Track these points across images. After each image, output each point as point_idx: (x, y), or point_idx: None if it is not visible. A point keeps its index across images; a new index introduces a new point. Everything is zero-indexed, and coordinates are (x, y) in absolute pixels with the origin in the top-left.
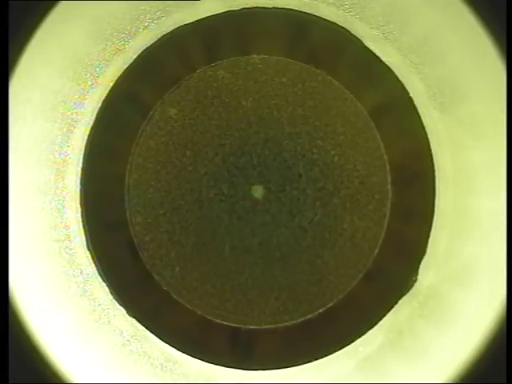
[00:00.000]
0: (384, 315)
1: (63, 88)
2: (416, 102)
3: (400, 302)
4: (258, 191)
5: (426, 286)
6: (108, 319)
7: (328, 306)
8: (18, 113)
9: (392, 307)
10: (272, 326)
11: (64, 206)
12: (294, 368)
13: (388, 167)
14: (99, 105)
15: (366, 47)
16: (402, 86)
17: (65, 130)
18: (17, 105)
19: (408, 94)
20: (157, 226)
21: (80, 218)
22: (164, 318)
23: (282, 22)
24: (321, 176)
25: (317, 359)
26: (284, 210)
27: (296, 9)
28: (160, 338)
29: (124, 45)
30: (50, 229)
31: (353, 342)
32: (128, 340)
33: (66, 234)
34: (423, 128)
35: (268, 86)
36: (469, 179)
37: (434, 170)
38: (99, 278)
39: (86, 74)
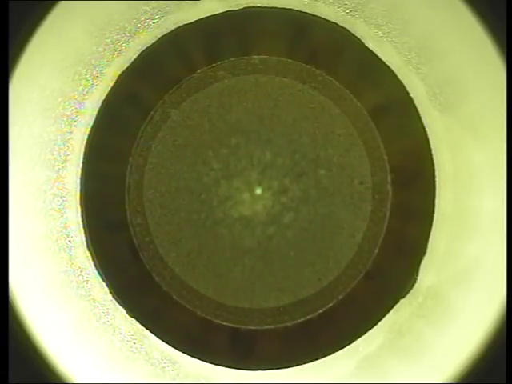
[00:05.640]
0: (384, 315)
1: (63, 88)
2: (416, 102)
3: (400, 302)
4: (258, 191)
5: (426, 286)
6: (108, 319)
7: (328, 306)
8: (18, 113)
9: (392, 307)
10: (272, 327)
11: (64, 206)
12: (293, 368)
13: (388, 167)
14: (99, 105)
15: (366, 47)
16: (402, 86)
17: (65, 130)
18: (17, 105)
19: (408, 94)
20: (157, 226)
21: (80, 218)
22: (164, 318)
23: (282, 22)
24: (321, 176)
25: (317, 359)
26: (284, 210)
27: (296, 9)
28: (160, 338)
29: (124, 45)
30: (50, 229)
31: (353, 342)
32: (128, 340)
33: (66, 234)
34: (423, 128)
35: (268, 86)
36: (469, 179)
37: (434, 170)
38: (99, 277)
39: (86, 74)
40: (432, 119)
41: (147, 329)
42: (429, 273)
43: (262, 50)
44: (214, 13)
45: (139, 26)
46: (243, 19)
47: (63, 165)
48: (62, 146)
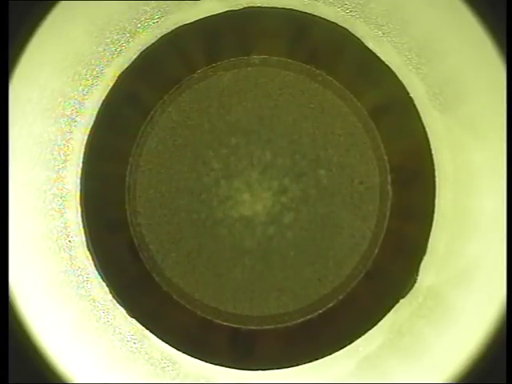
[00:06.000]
0: (384, 315)
1: (63, 88)
2: (416, 102)
3: (400, 302)
4: (258, 192)
5: (426, 286)
6: (108, 319)
7: (328, 306)
8: (18, 113)
9: (392, 307)
10: (272, 327)
11: (64, 206)
12: (293, 368)
13: (388, 167)
14: (99, 105)
15: (366, 47)
16: (402, 86)
17: (65, 130)
18: (17, 105)
19: (408, 93)
20: (157, 226)
21: (80, 218)
22: (164, 318)
23: (282, 22)
24: (321, 176)
25: (317, 359)
26: (284, 211)
27: (296, 9)
28: (160, 338)
29: (124, 45)
30: (50, 229)
31: (353, 342)
32: (128, 340)
33: (66, 234)
34: (423, 128)
35: (268, 86)
36: (469, 179)
37: (434, 170)
38: (99, 277)
39: (86, 74)
40: (432, 119)
41: (147, 329)
42: (429, 273)
43: (262, 49)
44: (214, 13)
45: (139, 25)
46: (243, 19)
47: (63, 165)
48: (61, 146)
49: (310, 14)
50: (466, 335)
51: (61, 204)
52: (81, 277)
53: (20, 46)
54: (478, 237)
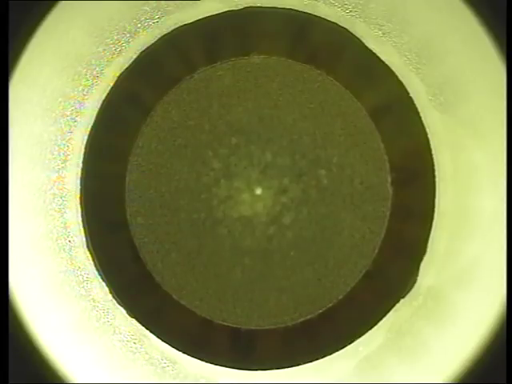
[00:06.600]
0: (384, 315)
1: (63, 88)
2: (416, 102)
3: (400, 301)
4: (258, 191)
5: (426, 286)
6: (108, 319)
7: (328, 306)
8: (18, 113)
9: (392, 307)
10: (272, 327)
11: (64, 206)
12: (293, 368)
13: (388, 167)
14: (99, 105)
15: (366, 47)
16: (403, 85)
17: (65, 129)
18: (17, 105)
19: (408, 93)
20: (157, 226)
21: (80, 218)
22: (164, 318)
23: (282, 22)
24: (321, 176)
25: (317, 359)
26: (284, 211)
27: (296, 9)
28: (160, 338)
29: (124, 45)
30: (50, 229)
31: (353, 342)
32: (128, 340)
33: (66, 234)
34: (423, 128)
35: (268, 86)
36: (469, 179)
37: (434, 170)
38: (99, 278)
39: (86, 74)
40: (432, 119)
41: (147, 329)
42: (429, 273)
43: (261, 49)
44: (214, 13)
45: (139, 25)
46: (243, 19)
47: (63, 165)
48: (62, 146)
49: (310, 14)
50: (466, 335)
51: (61, 204)
52: (81, 277)
53: (20, 46)
54: (477, 236)
